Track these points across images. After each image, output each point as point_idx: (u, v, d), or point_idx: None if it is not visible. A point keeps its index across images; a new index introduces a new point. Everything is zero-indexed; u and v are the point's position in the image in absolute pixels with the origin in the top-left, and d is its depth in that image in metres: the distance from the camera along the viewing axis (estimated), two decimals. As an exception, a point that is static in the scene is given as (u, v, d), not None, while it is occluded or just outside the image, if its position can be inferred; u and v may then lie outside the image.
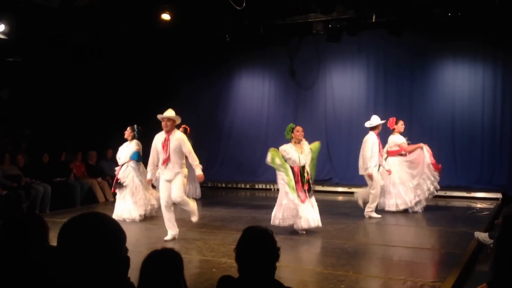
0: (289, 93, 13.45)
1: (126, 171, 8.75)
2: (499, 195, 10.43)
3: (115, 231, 1.53)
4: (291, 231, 7.19)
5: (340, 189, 11.94)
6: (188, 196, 8.17)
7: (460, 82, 11.68)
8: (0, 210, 8.54)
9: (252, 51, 13.39)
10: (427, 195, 8.93)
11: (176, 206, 7.13)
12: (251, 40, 12.68)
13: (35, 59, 11.68)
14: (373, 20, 11.04)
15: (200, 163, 7.03)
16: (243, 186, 13.18)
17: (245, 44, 12.97)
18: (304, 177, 7.18)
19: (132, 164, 8.73)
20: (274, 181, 7.40)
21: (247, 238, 2.51)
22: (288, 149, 7.22)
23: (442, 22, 10.72)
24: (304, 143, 7.35)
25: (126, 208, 8.62)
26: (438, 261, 6.05)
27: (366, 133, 8.78)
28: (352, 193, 9.99)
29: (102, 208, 9.86)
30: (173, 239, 6.94)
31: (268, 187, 12.46)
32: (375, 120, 8.78)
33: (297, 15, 11.48)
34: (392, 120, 9.21)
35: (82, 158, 11.25)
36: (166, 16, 10.65)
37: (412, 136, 9.87)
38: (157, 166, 7.06)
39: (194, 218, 7.26)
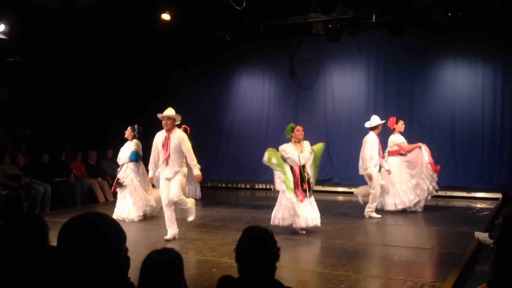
0: (289, 93, 13.45)
1: (126, 172, 8.78)
2: (499, 195, 10.43)
3: (115, 231, 1.53)
4: (291, 231, 7.19)
5: (340, 189, 11.93)
6: (188, 197, 8.18)
7: (460, 82, 11.68)
8: (0, 210, 8.54)
9: (252, 51, 13.38)
10: (426, 195, 8.95)
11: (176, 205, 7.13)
12: (251, 40, 12.68)
13: (35, 59, 11.68)
14: (373, 20, 11.04)
15: (200, 162, 7.03)
16: (243, 186, 13.18)
17: (245, 44, 12.97)
18: (304, 176, 7.18)
19: (131, 165, 8.74)
20: (274, 181, 7.41)
21: (247, 238, 2.51)
22: (287, 148, 7.21)
23: (442, 22, 10.72)
24: (305, 143, 7.34)
25: (126, 208, 8.64)
26: (438, 261, 6.05)
27: (366, 133, 8.78)
28: (352, 193, 10.00)
29: (102, 208, 9.85)
30: (173, 238, 6.94)
31: (268, 187, 12.45)
32: (375, 120, 8.78)
33: (297, 15, 11.48)
34: (392, 120, 9.22)
35: (82, 158, 11.26)
36: (166, 16, 10.65)
37: (412, 136, 9.87)
38: (158, 164, 7.07)
39: (191, 218, 7.25)
